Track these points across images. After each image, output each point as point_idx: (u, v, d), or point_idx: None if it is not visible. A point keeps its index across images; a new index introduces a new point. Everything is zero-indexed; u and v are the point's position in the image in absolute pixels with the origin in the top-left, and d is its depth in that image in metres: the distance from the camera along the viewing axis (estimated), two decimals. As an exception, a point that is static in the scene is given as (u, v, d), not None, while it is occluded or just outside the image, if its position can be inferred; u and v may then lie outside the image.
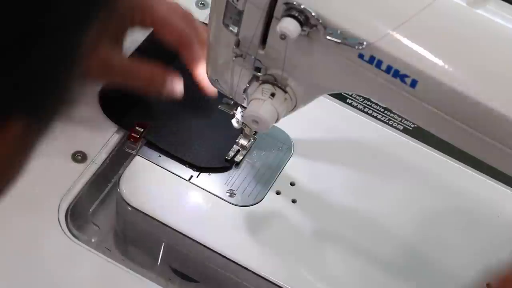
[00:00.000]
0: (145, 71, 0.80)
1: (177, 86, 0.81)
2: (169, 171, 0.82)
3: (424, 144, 0.90)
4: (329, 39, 0.61)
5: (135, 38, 0.93)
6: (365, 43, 0.61)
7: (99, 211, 0.85)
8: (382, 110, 0.93)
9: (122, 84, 0.82)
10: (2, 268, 0.76)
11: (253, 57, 0.69)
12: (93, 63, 0.78)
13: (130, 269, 0.79)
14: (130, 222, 0.82)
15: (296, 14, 0.61)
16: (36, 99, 0.38)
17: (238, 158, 0.84)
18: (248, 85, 0.71)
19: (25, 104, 0.37)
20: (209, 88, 0.82)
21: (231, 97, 0.78)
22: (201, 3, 1.00)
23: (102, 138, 0.85)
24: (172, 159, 0.83)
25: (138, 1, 0.79)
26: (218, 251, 0.78)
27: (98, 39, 0.43)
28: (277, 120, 0.70)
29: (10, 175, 0.43)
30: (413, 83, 0.61)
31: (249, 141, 0.84)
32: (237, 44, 0.69)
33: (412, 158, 0.89)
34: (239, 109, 0.79)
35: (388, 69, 0.61)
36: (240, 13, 0.66)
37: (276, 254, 0.78)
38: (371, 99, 0.90)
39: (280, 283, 0.76)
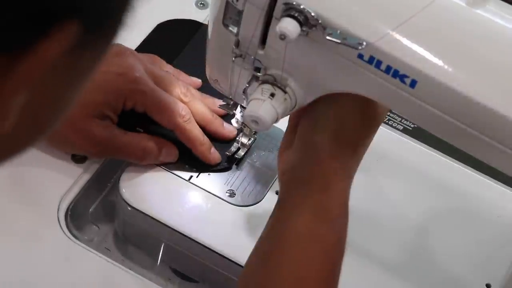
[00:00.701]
0: (137, 148, 0.80)
1: (170, 154, 0.82)
2: (169, 171, 0.82)
3: (424, 144, 0.90)
4: (328, 39, 0.61)
5: (135, 37, 0.93)
6: (364, 43, 0.61)
7: (99, 211, 0.85)
8: (382, 110, 0.92)
9: (115, 158, 0.83)
10: (2, 268, 0.76)
11: (252, 57, 0.69)
12: (86, 141, 0.79)
13: (130, 269, 0.79)
14: (130, 222, 0.82)
15: (296, 14, 0.61)
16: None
17: (240, 154, 0.84)
18: (247, 85, 0.71)
19: (77, 4, 0.36)
20: (223, 134, 0.84)
21: (230, 97, 0.78)
22: (201, 3, 1.01)
23: (102, 138, 0.85)
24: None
25: (131, 86, 0.79)
26: (218, 251, 0.78)
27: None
28: (276, 120, 0.70)
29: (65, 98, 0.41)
30: (413, 83, 0.61)
31: (249, 141, 0.84)
32: (237, 44, 0.69)
33: (412, 158, 0.89)
34: (238, 109, 0.79)
35: (388, 69, 0.61)
36: (240, 13, 0.66)
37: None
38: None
39: None
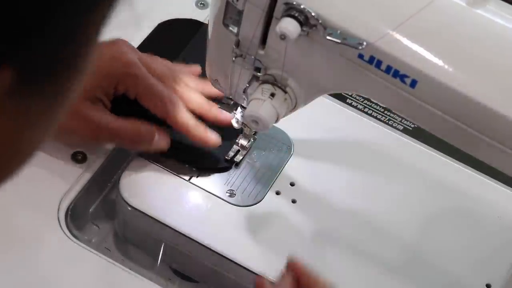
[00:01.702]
0: (132, 131, 0.79)
1: (163, 141, 0.81)
2: (169, 171, 0.82)
3: (424, 144, 0.90)
4: (329, 39, 0.61)
5: (136, 36, 0.93)
6: (365, 43, 0.61)
7: (99, 211, 0.85)
8: (382, 110, 0.93)
9: (110, 142, 0.82)
10: (2, 268, 0.76)
11: (253, 57, 0.69)
12: (81, 124, 0.79)
13: (130, 269, 0.79)
14: (130, 222, 0.82)
15: (296, 14, 0.61)
16: (34, 42, 0.33)
17: (238, 158, 0.84)
18: (248, 85, 0.72)
19: (15, 48, 0.33)
20: (220, 119, 0.83)
21: (231, 97, 0.78)
22: (201, 3, 1.01)
23: (102, 138, 0.85)
24: (172, 159, 0.83)
25: (123, 70, 0.79)
26: (218, 251, 0.78)
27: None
28: (277, 120, 0.70)
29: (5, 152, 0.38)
30: (413, 83, 0.61)
31: (249, 141, 0.84)
32: (237, 44, 0.69)
33: (412, 158, 0.89)
34: (239, 109, 0.79)
35: (388, 69, 0.61)
36: (240, 13, 0.66)
37: (276, 254, 0.78)
38: (371, 99, 0.90)
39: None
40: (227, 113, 0.84)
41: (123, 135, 0.79)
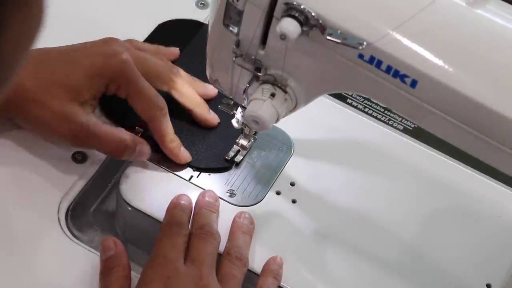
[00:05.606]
0: (117, 140, 0.78)
1: (143, 153, 0.81)
2: (169, 171, 0.82)
3: (424, 144, 0.90)
4: (329, 39, 0.61)
5: (136, 37, 0.93)
6: (365, 43, 0.61)
7: (99, 211, 0.85)
8: (382, 110, 0.93)
9: (91, 148, 0.81)
10: (2, 268, 0.76)
11: (253, 57, 0.69)
12: (65, 125, 0.77)
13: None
14: (130, 222, 0.82)
15: (296, 14, 0.61)
16: None
17: (238, 158, 0.84)
18: (248, 85, 0.72)
19: None
20: (206, 119, 0.85)
21: (231, 97, 0.78)
22: (201, 3, 1.01)
23: (102, 138, 0.85)
24: (172, 159, 0.83)
25: (117, 69, 0.79)
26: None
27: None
28: (277, 120, 0.70)
29: None
30: (413, 83, 0.61)
31: (249, 141, 0.84)
32: (237, 44, 0.69)
33: (412, 158, 0.89)
34: (239, 109, 0.79)
35: (388, 69, 0.61)
36: (240, 13, 0.66)
37: (276, 254, 0.78)
38: (371, 99, 0.90)
39: (280, 283, 0.76)
40: (215, 114, 0.85)
41: (104, 142, 0.78)
